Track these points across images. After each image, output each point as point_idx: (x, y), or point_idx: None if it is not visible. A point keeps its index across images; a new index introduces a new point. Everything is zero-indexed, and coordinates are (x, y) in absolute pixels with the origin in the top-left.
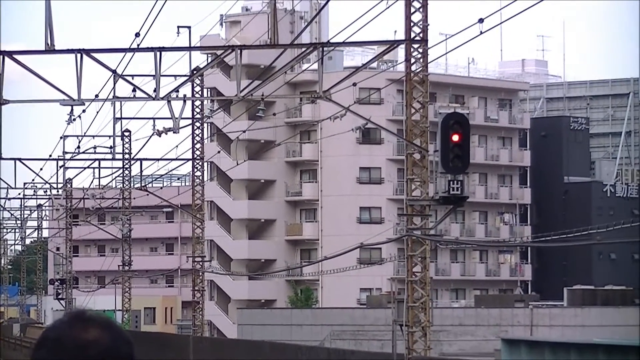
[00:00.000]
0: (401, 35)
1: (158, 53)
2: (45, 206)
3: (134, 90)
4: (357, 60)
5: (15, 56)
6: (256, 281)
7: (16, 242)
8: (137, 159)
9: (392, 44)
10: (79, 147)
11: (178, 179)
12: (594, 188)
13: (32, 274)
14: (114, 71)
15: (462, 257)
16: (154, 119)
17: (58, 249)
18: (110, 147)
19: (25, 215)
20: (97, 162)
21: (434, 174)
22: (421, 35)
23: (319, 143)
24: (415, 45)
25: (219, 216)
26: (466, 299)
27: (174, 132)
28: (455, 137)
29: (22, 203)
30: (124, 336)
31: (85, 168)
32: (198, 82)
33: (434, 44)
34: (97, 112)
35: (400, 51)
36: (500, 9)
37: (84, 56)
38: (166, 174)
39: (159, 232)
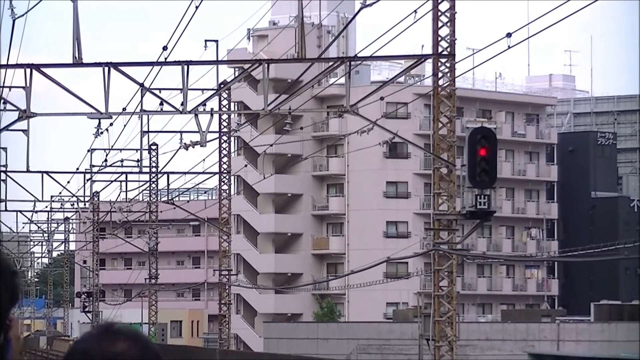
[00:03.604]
0: (428, 50)
1: (185, 67)
2: (72, 219)
3: (161, 104)
4: (384, 74)
5: (43, 69)
6: (283, 295)
7: (43, 255)
8: (164, 173)
9: (420, 59)
10: (106, 160)
11: (205, 192)
12: (621, 203)
13: (58, 287)
14: (141, 85)
15: (489, 271)
16: (181, 132)
17: (85, 262)
18: (138, 161)
19: (53, 228)
20: (124, 175)
21: (461, 188)
22: (448, 49)
23: (345, 157)
24: (443, 60)
25: (245, 230)
26: (493, 313)
27: (201, 146)
28: (483, 152)
29: (49, 216)
30: (152, 349)
31: (112, 181)
32: (225, 95)
33: (462, 59)
34: (125, 126)
35: (428, 65)
36: (528, 24)
37: (112, 69)
38: (193, 187)
39: (185, 246)
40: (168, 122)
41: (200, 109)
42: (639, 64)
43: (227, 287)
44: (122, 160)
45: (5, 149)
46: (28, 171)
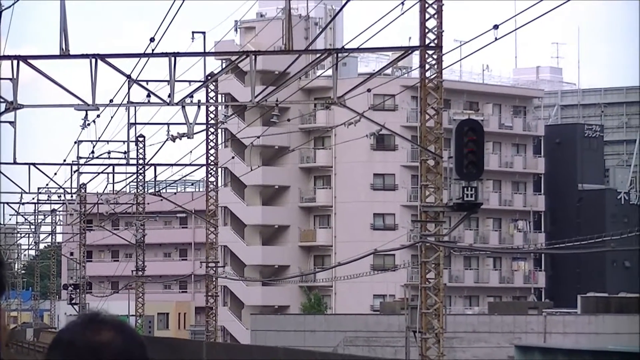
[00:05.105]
0: (416, 42)
1: (172, 58)
2: (59, 211)
3: (148, 96)
4: (372, 66)
5: (30, 60)
6: (270, 287)
7: (30, 247)
8: (151, 165)
9: (407, 50)
10: (93, 152)
11: (192, 184)
12: (608, 195)
13: (45, 279)
14: (128, 76)
15: (476, 264)
16: (168, 124)
17: (72, 253)
18: (125, 152)
19: (39, 220)
20: (111, 167)
21: (448, 180)
22: (436, 41)
23: (333, 149)
24: (430, 52)
25: (232, 222)
26: (480, 305)
27: (188, 138)
28: (470, 144)
29: (36, 208)
30: (137, 338)
31: (99, 173)
32: (212, 87)
33: (449, 51)
34: (112, 117)
35: (415, 57)
36: (515, 16)
37: (99, 61)
38: (180, 179)
39: (172, 238)
40: (155, 114)
41: (188, 100)
42: (639, 57)
43: (214, 279)
44: (109, 152)
45: None
46: (15, 163)
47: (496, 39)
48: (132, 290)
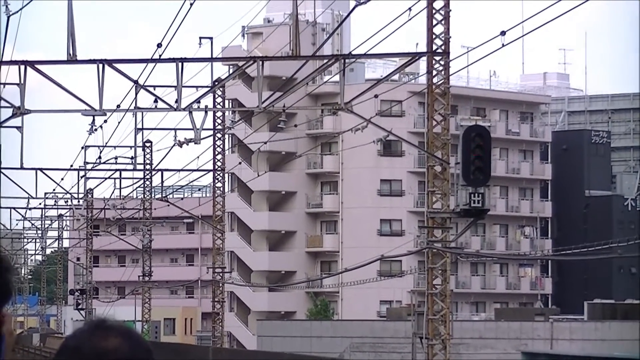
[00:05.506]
0: (423, 48)
1: (180, 64)
2: (66, 216)
3: (155, 101)
4: (379, 72)
5: (37, 66)
6: (276, 293)
7: (37, 252)
8: (158, 170)
9: (414, 56)
10: (100, 157)
11: (199, 190)
12: (614, 202)
13: (52, 284)
14: (135, 82)
15: (483, 270)
16: (175, 129)
17: (78, 259)
18: (132, 158)
19: (46, 225)
20: (118, 172)
21: (455, 186)
22: (443, 47)
23: (340, 155)
24: (437, 58)
25: (239, 227)
26: (486, 312)
27: (195, 143)
28: (477, 150)
29: (43, 213)
30: (144, 344)
31: (106, 178)
32: (219, 93)
33: (456, 57)
34: (119, 123)
35: (422, 63)
36: (522, 22)
37: (106, 66)
38: (187, 184)
39: (179, 243)
40: (162, 119)
41: (195, 106)
42: (639, 63)
43: (220, 284)
44: (116, 157)
45: None
46: (22, 168)
47: (503, 45)
48: (139, 296)
